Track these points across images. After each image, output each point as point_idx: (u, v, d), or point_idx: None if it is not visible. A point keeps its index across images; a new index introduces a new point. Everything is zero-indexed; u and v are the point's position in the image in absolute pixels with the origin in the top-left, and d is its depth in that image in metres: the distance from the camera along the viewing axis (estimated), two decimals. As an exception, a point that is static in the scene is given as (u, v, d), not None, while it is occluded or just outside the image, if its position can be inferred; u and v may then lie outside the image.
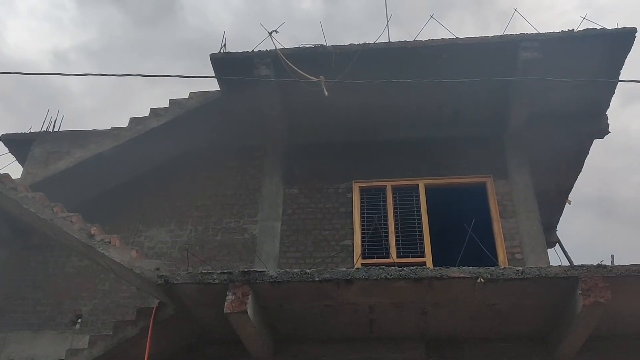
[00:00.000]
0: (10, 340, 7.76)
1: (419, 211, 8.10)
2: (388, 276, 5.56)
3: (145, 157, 8.82)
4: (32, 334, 7.79)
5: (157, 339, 6.36)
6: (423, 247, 7.78)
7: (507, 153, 8.50)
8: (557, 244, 10.66)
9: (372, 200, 8.35)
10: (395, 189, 8.37)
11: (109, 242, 6.68)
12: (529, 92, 8.07)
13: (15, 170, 8.83)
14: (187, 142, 8.92)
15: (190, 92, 8.80)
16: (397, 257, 7.66)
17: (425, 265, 7.40)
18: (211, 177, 8.87)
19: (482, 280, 5.52)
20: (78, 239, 6.85)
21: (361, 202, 8.34)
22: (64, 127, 9.89)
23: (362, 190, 8.45)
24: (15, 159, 9.69)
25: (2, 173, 7.85)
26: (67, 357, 6.47)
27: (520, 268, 5.63)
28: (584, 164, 9.24)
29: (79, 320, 7.86)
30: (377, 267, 5.71)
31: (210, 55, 8.20)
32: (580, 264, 5.63)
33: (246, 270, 5.83)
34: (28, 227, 8.16)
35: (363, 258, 7.73)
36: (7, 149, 9.58)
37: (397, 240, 7.90)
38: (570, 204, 10.26)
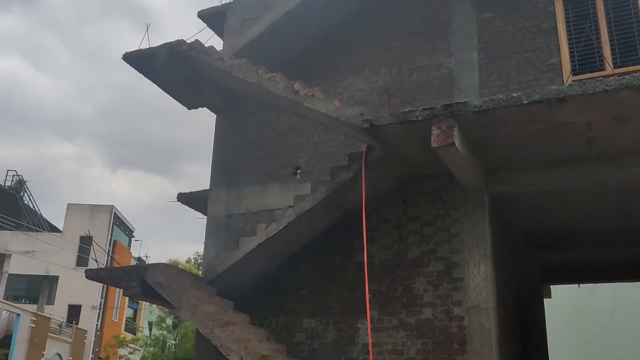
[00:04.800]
0: (244, 194, 8.81)
1: (637, 11, 7.07)
2: (607, 87, 5.05)
3: (329, 10, 8.79)
4: (261, 187, 8.73)
5: (371, 180, 6.72)
6: (646, 52, 6.90)
7: None
8: None
9: (579, 9, 7.45)
10: (606, -9, 7.36)
11: (313, 96, 6.98)
12: None
13: (215, 43, 9.39)
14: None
15: None
16: (614, 68, 6.90)
17: (650, 71, 6.57)
18: (397, 17, 8.59)
19: None
20: (284, 97, 7.26)
21: (566, 14, 7.49)
22: (250, -7, 10.17)
23: (566, 0, 7.56)
24: (213, 32, 10.28)
25: (207, 46, 8.42)
26: (295, 202, 7.18)
27: None
28: None
29: (298, 171, 8.58)
30: (593, 80, 5.21)
31: None
32: None
33: (448, 103, 5.73)
34: (238, 95, 8.86)
35: (574, 75, 7.10)
36: (205, 24, 10.17)
37: (612, 50, 7.08)
38: None
